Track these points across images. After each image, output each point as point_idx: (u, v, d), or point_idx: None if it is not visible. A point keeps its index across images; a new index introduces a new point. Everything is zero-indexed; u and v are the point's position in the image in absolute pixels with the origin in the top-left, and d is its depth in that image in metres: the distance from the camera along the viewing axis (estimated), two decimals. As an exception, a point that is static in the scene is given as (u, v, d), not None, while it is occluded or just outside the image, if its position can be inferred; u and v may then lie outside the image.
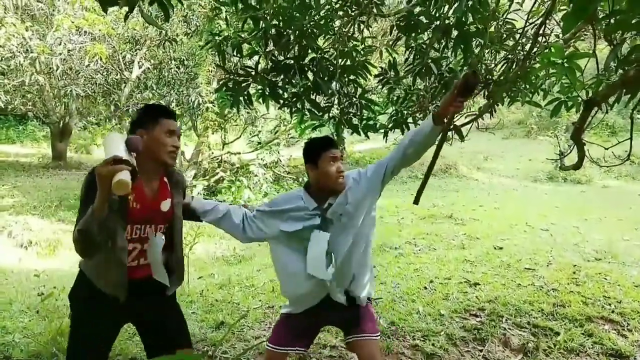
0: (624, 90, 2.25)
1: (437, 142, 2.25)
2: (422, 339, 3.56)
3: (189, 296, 4.32)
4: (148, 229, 2.00)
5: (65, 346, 2.23)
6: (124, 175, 1.59)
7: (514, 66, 3.48)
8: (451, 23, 3.18)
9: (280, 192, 10.81)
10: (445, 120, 2.09)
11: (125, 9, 2.42)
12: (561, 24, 3.67)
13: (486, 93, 3.66)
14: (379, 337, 2.31)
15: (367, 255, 2.30)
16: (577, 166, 3.07)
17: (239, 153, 11.55)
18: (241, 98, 3.29)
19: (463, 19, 3.14)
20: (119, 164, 1.62)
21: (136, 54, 10.26)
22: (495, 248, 5.91)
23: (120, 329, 2.09)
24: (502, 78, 3.50)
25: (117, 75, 10.53)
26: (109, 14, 9.40)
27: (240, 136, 12.07)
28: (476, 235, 6.55)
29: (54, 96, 12.22)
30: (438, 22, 3.21)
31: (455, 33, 3.23)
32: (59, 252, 7.01)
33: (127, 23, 9.61)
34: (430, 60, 3.38)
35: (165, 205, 2.04)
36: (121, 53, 10.21)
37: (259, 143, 11.25)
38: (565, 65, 1.99)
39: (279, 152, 11.17)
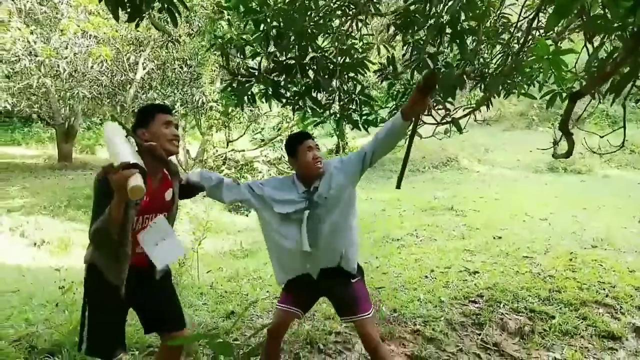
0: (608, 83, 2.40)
1: (409, 134, 2.49)
2: (422, 324, 3.71)
3: (199, 289, 4.50)
4: (154, 217, 2.15)
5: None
6: (137, 181, 1.65)
7: (509, 59, 3.62)
8: (445, 21, 3.31)
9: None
10: (414, 117, 2.37)
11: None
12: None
13: (483, 86, 3.79)
14: (372, 312, 2.57)
15: (353, 234, 2.59)
16: (568, 155, 3.24)
17: (243, 150, 11.72)
18: (245, 98, 3.46)
19: (457, 16, 3.28)
20: (129, 169, 1.70)
21: (140, 55, 10.44)
22: (494, 238, 6.06)
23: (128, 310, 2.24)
24: (497, 71, 3.64)
25: (121, 76, 10.70)
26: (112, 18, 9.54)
27: (244, 134, 12.24)
28: (476, 226, 6.70)
29: (59, 98, 12.41)
30: (432, 21, 3.35)
31: (450, 30, 3.37)
32: (71, 250, 7.20)
33: (135, 28, 9.74)
34: (427, 56, 3.52)
35: (169, 195, 2.22)
36: (125, 54, 10.38)
37: (262, 140, 11.44)
38: (551, 60, 2.13)
39: (282, 149, 11.34)
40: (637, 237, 6.15)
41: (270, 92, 3.48)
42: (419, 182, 12.15)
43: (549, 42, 3.38)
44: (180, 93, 9.98)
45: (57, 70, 9.24)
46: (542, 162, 13.50)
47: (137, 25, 2.91)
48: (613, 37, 2.28)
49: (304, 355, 3.28)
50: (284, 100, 3.58)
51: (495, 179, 12.16)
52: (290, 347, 3.35)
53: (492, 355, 3.40)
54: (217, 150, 11.00)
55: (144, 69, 10.54)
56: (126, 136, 2.00)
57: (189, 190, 2.46)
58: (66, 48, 9.15)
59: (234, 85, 3.44)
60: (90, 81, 10.49)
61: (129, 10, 2.56)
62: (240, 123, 11.65)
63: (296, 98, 3.61)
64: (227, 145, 11.53)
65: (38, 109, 13.82)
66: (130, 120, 9.99)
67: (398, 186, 2.98)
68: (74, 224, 8.46)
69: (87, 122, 18.02)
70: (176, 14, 2.78)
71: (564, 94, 2.98)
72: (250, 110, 10.52)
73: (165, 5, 2.67)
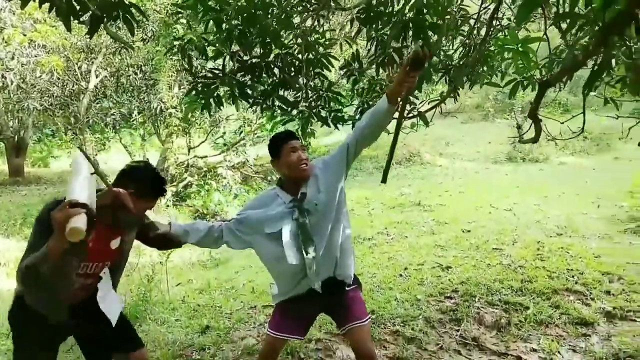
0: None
1: (396, 121, 2.39)
2: (401, 324, 3.69)
3: (170, 304, 4.35)
4: (96, 266, 2.05)
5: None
6: (78, 222, 1.52)
7: (471, 50, 3.64)
8: (408, 18, 3.30)
9: (250, 192, 10.80)
10: (400, 99, 2.20)
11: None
12: (512, 7, 3.89)
13: (447, 79, 3.80)
14: (370, 319, 2.40)
15: (348, 240, 2.41)
16: (535, 140, 3.29)
17: (206, 157, 11.47)
18: (211, 100, 3.34)
19: (419, 14, 3.27)
20: (76, 207, 1.57)
21: (92, 63, 10.05)
22: (463, 231, 6.14)
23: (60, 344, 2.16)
24: (461, 63, 3.65)
25: (73, 85, 10.27)
26: (62, 25, 9.17)
27: (206, 139, 11.99)
28: (444, 221, 6.77)
29: (7, 111, 11.84)
30: (396, 18, 3.34)
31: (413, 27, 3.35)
32: (29, 271, 6.84)
33: (89, 38, 9.31)
34: (391, 50, 3.48)
35: (115, 244, 2.08)
36: (76, 63, 9.97)
37: (225, 144, 11.26)
38: (520, 50, 2.14)
39: (245, 152, 11.15)
40: (598, 223, 6.36)
41: (236, 93, 3.36)
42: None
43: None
44: (137, 100, 9.68)
45: (3, 82, 8.78)
46: (501, 152, 13.85)
47: (91, 36, 2.76)
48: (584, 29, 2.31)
49: (286, 367, 3.20)
50: (251, 101, 3.47)
51: (458, 172, 12.37)
52: None
53: (472, 350, 3.41)
54: (177, 158, 10.70)
55: (97, 77, 10.15)
56: (92, 173, 1.86)
57: (164, 242, 2.31)
58: (12, 59, 8.71)
59: (198, 88, 3.31)
60: (41, 92, 10.01)
61: (81, 20, 2.41)
62: (200, 128, 11.40)
63: (263, 97, 3.50)
64: (189, 152, 11.26)
65: (-17, 123, 13.16)
66: (85, 131, 9.64)
67: (384, 180, 2.88)
68: (31, 242, 8.06)
69: (38, 134, 17.30)
70: (133, 22, 2.64)
71: (526, 83, 3.02)
72: (211, 115, 10.32)
73: (121, 14, 2.53)
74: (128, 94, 10.36)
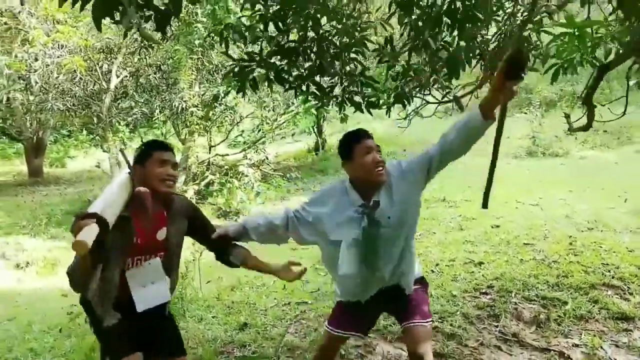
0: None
1: (495, 138, 2.30)
2: (440, 320, 3.67)
3: (205, 301, 4.36)
4: (149, 258, 2.10)
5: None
6: (85, 235, 1.58)
7: (509, 36, 3.56)
8: (443, 9, 3.25)
9: (270, 190, 10.79)
10: (501, 107, 2.04)
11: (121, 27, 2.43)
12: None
13: (482, 65, 3.73)
14: (431, 322, 2.30)
15: (414, 253, 2.27)
16: (587, 127, 3.25)
17: (227, 155, 11.48)
18: (247, 83, 3.34)
19: (452, 7, 3.22)
20: (86, 219, 1.64)
21: (112, 63, 10.09)
22: (492, 227, 6.07)
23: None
24: (498, 49, 3.59)
25: (94, 85, 10.31)
26: (83, 26, 9.21)
27: (227, 137, 11.99)
28: (472, 216, 6.70)
29: (27, 112, 11.94)
30: (432, 9, 3.28)
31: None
32: (59, 270, 6.90)
33: (125, 40, 9.02)
34: (428, 37, 3.41)
35: (161, 234, 2.12)
36: (97, 63, 10.02)
37: (245, 142, 11.23)
38: (577, 34, 2.10)
39: (265, 150, 11.14)
40: (627, 217, 6.26)
41: (272, 77, 3.36)
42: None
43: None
44: (158, 99, 9.70)
45: (27, 84, 8.85)
46: (520, 147, 13.63)
47: (125, 35, 2.76)
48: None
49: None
50: (286, 85, 3.46)
51: (478, 168, 12.17)
52: (309, 356, 3.25)
53: (513, 346, 3.38)
54: (197, 157, 10.71)
55: (118, 77, 10.20)
56: (129, 173, 2.01)
57: (218, 250, 2.33)
58: (36, 60, 8.77)
59: (235, 70, 3.32)
60: (62, 93, 10.08)
61: (116, 19, 2.39)
62: (221, 125, 11.41)
63: (298, 82, 3.49)
64: (210, 150, 11.26)
65: (2, 123, 13.29)
66: (107, 130, 9.69)
67: (484, 206, 2.75)
68: (58, 242, 8.14)
69: (54, 135, 17.47)
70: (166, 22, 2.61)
71: (566, 66, 2.97)
72: (231, 114, 10.33)
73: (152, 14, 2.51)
74: (147, 94, 10.40)
